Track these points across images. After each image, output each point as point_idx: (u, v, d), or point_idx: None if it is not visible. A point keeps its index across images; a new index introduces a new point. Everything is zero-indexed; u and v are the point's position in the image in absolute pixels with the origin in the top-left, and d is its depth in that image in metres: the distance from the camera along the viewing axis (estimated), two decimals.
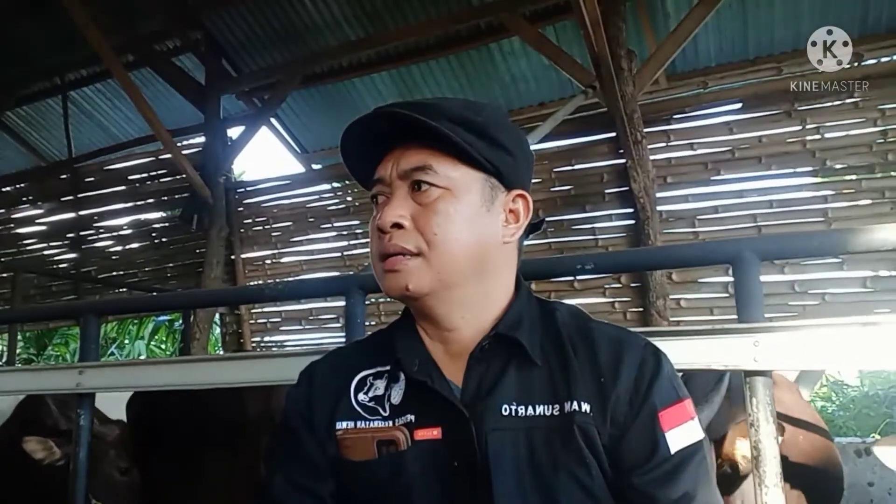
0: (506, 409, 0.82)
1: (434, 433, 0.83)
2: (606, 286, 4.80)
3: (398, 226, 0.85)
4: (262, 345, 6.10)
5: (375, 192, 0.91)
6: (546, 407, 0.82)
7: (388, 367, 0.90)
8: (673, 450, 0.80)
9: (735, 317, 1.36)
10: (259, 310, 6.15)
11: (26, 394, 2.59)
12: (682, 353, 1.27)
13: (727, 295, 4.38)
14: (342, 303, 1.77)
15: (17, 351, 7.30)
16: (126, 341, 11.65)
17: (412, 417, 0.85)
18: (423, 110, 0.85)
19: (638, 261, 1.94)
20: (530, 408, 0.83)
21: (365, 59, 5.69)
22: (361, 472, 0.86)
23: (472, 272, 0.87)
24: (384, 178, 0.89)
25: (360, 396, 0.90)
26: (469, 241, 0.86)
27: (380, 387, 0.90)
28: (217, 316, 6.37)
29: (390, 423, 0.86)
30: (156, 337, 11.90)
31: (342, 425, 0.89)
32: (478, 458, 0.80)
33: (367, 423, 0.87)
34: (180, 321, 7.41)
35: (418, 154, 0.87)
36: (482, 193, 0.88)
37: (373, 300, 5.38)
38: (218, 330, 7.48)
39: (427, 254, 0.84)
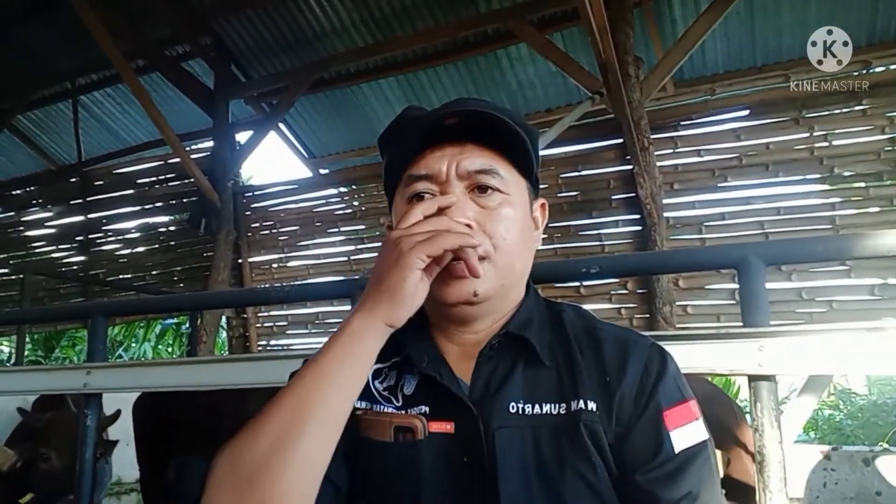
0: (513, 407, 0.82)
1: (447, 427, 0.83)
2: (613, 292, 4.79)
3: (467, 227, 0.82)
4: (269, 348, 6.11)
5: (421, 189, 0.86)
6: (553, 406, 0.83)
7: (400, 361, 0.91)
8: (677, 449, 0.80)
9: (741, 323, 1.35)
10: (266, 313, 6.17)
11: (35, 394, 2.61)
12: (687, 358, 1.26)
13: (734, 302, 4.36)
14: (348, 307, 1.77)
15: (25, 353, 7.34)
16: (133, 344, 11.69)
17: (426, 409, 0.85)
18: (500, 112, 0.85)
19: (642, 265, 1.94)
20: (537, 406, 0.83)
21: (373, 64, 5.73)
22: (379, 454, 0.85)
23: (519, 278, 0.90)
24: (436, 176, 0.85)
25: (377, 384, 0.90)
26: (522, 247, 0.88)
27: (393, 378, 0.90)
28: (224, 319, 6.39)
29: (404, 411, 0.86)
30: (163, 340, 11.94)
31: (361, 405, 0.88)
32: (485, 455, 0.80)
33: (384, 407, 0.87)
34: (187, 324, 7.43)
35: (482, 156, 0.86)
36: (527, 200, 0.91)
37: None
38: (225, 334, 7.50)
39: (494, 259, 0.84)
